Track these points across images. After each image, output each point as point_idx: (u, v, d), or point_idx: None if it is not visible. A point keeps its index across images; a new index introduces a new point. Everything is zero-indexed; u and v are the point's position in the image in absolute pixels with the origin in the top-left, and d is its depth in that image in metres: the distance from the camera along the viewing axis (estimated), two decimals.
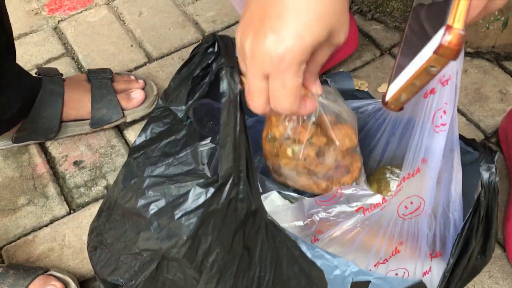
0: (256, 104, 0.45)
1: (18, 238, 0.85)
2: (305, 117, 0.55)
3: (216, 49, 0.51)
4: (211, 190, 0.44)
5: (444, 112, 0.54)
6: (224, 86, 0.46)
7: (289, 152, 0.56)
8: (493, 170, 0.59)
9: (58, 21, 1.22)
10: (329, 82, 0.68)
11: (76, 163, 0.94)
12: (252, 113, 0.46)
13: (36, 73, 0.94)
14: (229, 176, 0.44)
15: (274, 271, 0.51)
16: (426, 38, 0.36)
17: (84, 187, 0.91)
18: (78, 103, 0.93)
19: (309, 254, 0.48)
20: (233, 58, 0.47)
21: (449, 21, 0.32)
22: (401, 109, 0.42)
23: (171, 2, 1.24)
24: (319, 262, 0.48)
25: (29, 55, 1.14)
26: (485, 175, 0.59)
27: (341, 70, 1.04)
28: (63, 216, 0.88)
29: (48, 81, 0.91)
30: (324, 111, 0.55)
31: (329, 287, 0.49)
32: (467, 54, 1.03)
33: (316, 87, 0.48)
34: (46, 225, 0.87)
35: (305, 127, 0.54)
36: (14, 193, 0.91)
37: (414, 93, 0.39)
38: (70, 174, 0.93)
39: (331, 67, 1.03)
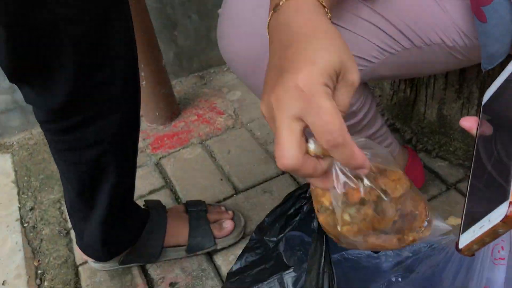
0: (287, 151, 0.41)
1: None
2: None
3: (308, 195, 0.64)
4: None
5: (502, 248, 0.62)
6: (314, 224, 0.58)
7: (346, 217, 0.52)
8: None
9: (160, 158, 1.43)
10: None
11: (171, 285, 1.07)
12: (338, 248, 0.57)
13: (143, 206, 1.12)
14: None
15: None
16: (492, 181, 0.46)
17: None
18: (177, 232, 1.08)
19: None
20: None
21: (511, 198, 0.41)
22: (473, 255, 0.50)
23: (255, 141, 1.43)
24: None
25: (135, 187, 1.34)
26: None
27: None
28: None
29: (154, 213, 1.08)
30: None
31: None
32: None
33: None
34: None
35: (349, 190, 0.51)
36: None
37: (484, 245, 0.47)
38: None
39: None
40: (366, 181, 0.50)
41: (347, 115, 0.80)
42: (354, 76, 0.44)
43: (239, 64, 0.76)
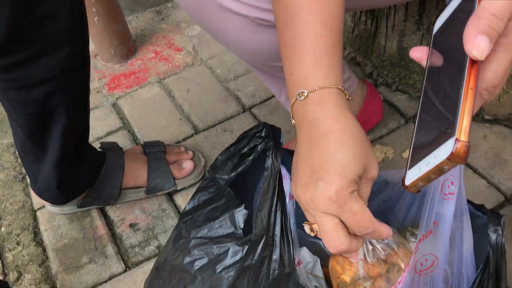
0: (338, 240, 0.51)
1: None
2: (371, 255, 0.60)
3: (263, 134, 0.62)
4: (246, 247, 0.54)
5: (452, 183, 0.62)
6: (268, 162, 0.57)
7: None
8: (500, 232, 0.65)
9: (117, 98, 1.39)
10: None
11: (131, 225, 1.07)
12: None
13: (99, 148, 1.09)
14: (261, 236, 0.54)
15: None
16: (440, 116, 0.44)
17: (139, 247, 1.03)
18: (136, 173, 1.06)
19: None
20: (279, 143, 0.58)
21: (457, 135, 0.40)
22: (419, 191, 0.50)
23: (215, 79, 1.39)
24: None
25: (91, 129, 1.29)
26: (493, 236, 0.65)
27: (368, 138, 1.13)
28: (120, 273, 0.99)
29: (111, 155, 1.05)
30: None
31: None
32: (486, 121, 1.11)
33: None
34: (105, 281, 0.98)
35: (374, 263, 0.60)
36: (78, 253, 1.03)
37: (430, 181, 0.46)
38: (126, 235, 1.05)
39: None
40: (383, 257, 0.60)
41: None
42: (374, 172, 0.53)
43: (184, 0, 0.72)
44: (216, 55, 1.47)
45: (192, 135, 1.24)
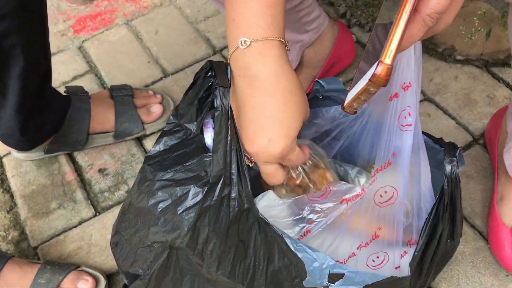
0: (277, 179, 0.60)
1: (51, 238, 0.96)
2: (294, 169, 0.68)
3: (213, 73, 0.60)
4: (206, 188, 0.54)
5: (409, 114, 0.61)
6: (217, 102, 0.55)
7: (283, 191, 0.68)
8: (455, 162, 0.64)
9: (82, 41, 1.34)
10: (322, 84, 0.75)
11: (100, 171, 1.05)
12: None
13: (64, 92, 1.05)
14: (219, 176, 0.53)
15: (267, 262, 0.60)
16: (377, 55, 0.45)
17: (108, 192, 1.02)
18: (103, 118, 1.04)
19: (292, 248, 0.57)
20: (226, 79, 0.57)
21: (382, 57, 0.42)
22: (355, 113, 0.54)
23: (185, 20, 1.34)
24: (300, 255, 0.57)
25: (57, 73, 1.26)
26: (448, 167, 0.64)
27: (339, 79, 1.12)
28: (90, 218, 0.98)
29: (76, 99, 1.02)
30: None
31: (309, 278, 0.57)
32: (458, 61, 1.10)
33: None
34: (75, 226, 0.98)
35: (295, 173, 0.68)
36: (47, 199, 1.02)
37: (362, 103, 0.50)
38: (96, 180, 1.04)
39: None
40: (303, 174, 0.66)
41: None
42: (308, 117, 0.59)
43: None
44: None
45: (161, 79, 1.21)
